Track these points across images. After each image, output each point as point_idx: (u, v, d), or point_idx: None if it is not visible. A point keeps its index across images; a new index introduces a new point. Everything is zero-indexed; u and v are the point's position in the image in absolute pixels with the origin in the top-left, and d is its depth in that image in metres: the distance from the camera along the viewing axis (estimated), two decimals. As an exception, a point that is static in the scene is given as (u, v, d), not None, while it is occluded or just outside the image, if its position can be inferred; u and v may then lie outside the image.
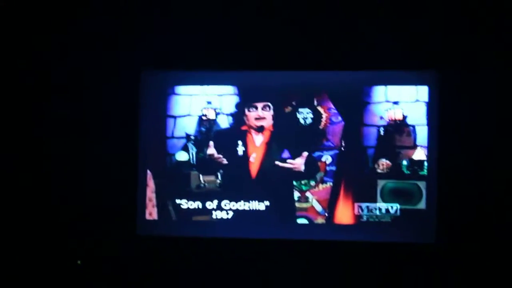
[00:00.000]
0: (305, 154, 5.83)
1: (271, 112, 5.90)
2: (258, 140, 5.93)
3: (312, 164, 5.85)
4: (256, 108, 5.92)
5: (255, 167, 5.91)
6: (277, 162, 5.87)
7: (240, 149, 5.92)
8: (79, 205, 5.90)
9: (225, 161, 5.91)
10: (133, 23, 5.92)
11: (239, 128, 5.94)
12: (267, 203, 5.86)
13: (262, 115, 5.90)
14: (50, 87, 5.97)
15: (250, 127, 5.93)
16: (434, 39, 5.70)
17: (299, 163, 5.85)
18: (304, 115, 5.86)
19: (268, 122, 5.91)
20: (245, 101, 5.93)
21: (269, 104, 5.90)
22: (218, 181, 5.91)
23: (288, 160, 5.86)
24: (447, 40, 5.68)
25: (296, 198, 5.86)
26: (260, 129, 5.91)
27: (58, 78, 5.98)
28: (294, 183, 5.86)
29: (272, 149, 5.90)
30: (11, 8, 5.91)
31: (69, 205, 5.90)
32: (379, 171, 5.78)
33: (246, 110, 5.93)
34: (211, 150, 5.91)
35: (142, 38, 5.90)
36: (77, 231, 5.90)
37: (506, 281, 5.49)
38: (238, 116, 5.95)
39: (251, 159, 5.91)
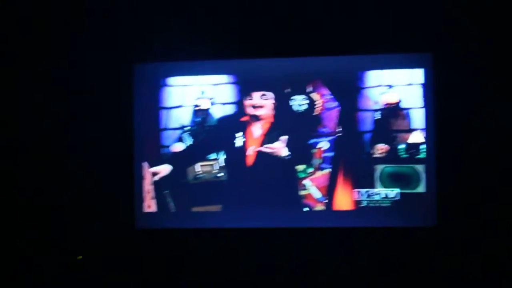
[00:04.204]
0: (284, 138, 5.77)
1: (272, 101, 5.85)
2: (257, 132, 5.88)
3: (303, 150, 5.80)
4: (252, 97, 5.86)
5: (252, 157, 5.86)
6: (259, 148, 5.83)
7: (240, 141, 5.87)
8: (77, 201, 5.90)
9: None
10: (123, 16, 5.87)
11: (238, 119, 5.90)
12: (267, 192, 5.83)
13: (259, 103, 5.85)
14: (45, 84, 5.97)
15: (249, 115, 5.88)
16: (428, 21, 5.61)
17: (278, 147, 5.80)
18: (299, 102, 5.81)
19: (267, 111, 5.85)
20: (241, 90, 5.89)
21: (267, 93, 5.84)
22: (215, 171, 5.89)
23: (267, 145, 5.81)
24: (441, 22, 5.59)
25: (293, 186, 5.83)
26: (256, 118, 5.85)
27: (52, 75, 5.96)
28: (292, 171, 5.83)
29: (270, 139, 5.83)
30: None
31: (67, 201, 5.91)
32: (376, 155, 5.72)
33: (243, 100, 5.89)
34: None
35: (132, 31, 5.87)
36: (76, 227, 5.91)
37: (508, 262, 5.42)
38: (237, 106, 5.90)
39: (249, 151, 5.86)
